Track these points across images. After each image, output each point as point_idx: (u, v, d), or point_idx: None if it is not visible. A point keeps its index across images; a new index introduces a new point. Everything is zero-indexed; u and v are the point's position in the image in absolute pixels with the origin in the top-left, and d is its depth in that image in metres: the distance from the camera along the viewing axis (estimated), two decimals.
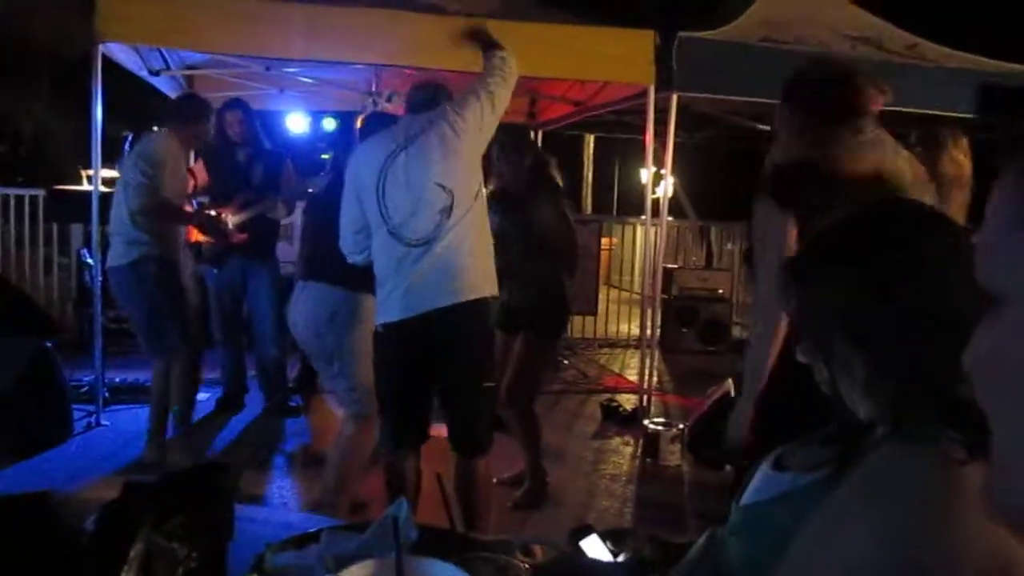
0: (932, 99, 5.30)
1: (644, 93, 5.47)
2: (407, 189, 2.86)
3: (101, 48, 4.68)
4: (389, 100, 6.06)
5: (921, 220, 1.08)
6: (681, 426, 4.75)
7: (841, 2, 6.30)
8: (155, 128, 4.55)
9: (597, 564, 1.33)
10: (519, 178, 3.94)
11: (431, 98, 3.01)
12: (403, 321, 2.87)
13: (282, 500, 3.96)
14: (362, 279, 3.17)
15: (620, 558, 1.35)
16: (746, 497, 1.17)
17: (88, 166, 5.23)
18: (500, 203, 3.87)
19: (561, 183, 4.14)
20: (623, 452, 4.95)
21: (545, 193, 3.96)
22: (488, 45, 3.24)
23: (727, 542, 1.20)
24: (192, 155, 5.10)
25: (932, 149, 2.88)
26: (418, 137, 2.88)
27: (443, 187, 2.85)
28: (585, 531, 1.41)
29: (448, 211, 2.85)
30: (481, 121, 2.96)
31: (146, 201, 4.06)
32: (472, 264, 2.90)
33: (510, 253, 3.59)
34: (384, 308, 2.93)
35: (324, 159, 6.68)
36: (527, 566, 1.35)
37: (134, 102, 6.86)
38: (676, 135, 5.61)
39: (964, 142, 2.98)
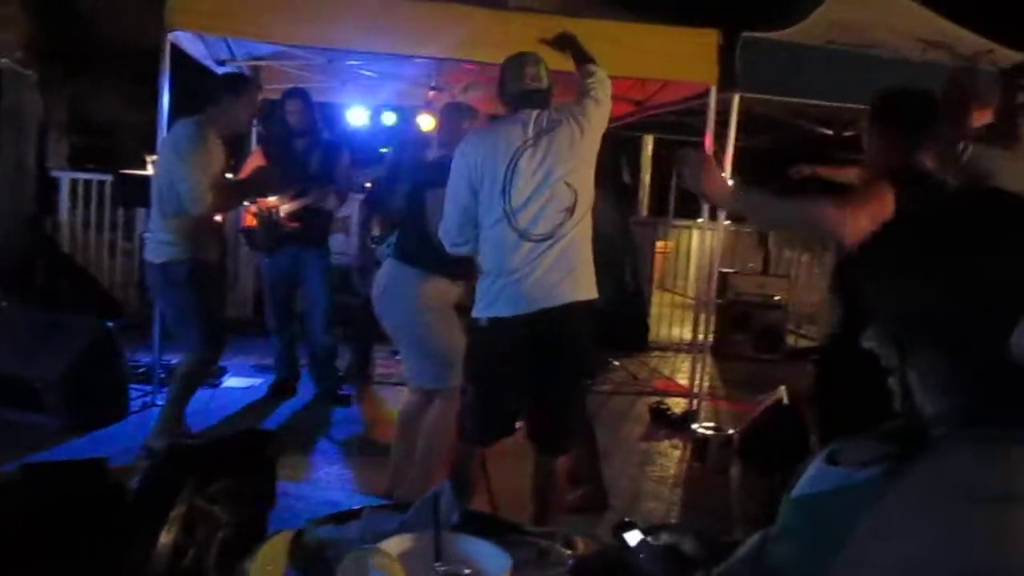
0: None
1: (706, 93, 5.40)
2: (536, 184, 2.85)
3: (170, 37, 4.79)
4: (466, 91, 6.07)
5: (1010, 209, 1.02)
6: (731, 432, 4.67)
7: (912, 6, 6.13)
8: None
9: (639, 555, 1.30)
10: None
11: (545, 99, 3.00)
12: (517, 316, 2.85)
13: (329, 485, 4.00)
14: (439, 262, 3.28)
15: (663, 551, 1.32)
16: (797, 490, 1.14)
17: (154, 152, 5.35)
18: None
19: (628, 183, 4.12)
20: (671, 455, 4.89)
21: (611, 195, 3.93)
22: (583, 57, 3.20)
23: (777, 540, 1.16)
24: (253, 141, 5.17)
25: None
26: (549, 133, 2.88)
27: (569, 185, 2.88)
28: (628, 526, 1.39)
29: (571, 210, 2.87)
30: (600, 125, 3.00)
31: (198, 192, 3.85)
32: (585, 264, 2.94)
33: None
34: (493, 301, 2.90)
35: (383, 152, 6.73)
36: (570, 556, 1.33)
37: (202, 92, 7.00)
38: (738, 138, 5.52)
39: None
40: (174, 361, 5.45)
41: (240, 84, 4.35)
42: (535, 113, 2.93)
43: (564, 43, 3.26)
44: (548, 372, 2.92)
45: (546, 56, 3.14)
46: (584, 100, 3.01)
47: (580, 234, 2.91)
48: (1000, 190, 1.10)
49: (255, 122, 4.85)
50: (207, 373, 4.45)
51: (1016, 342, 0.58)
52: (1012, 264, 0.96)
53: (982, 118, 3.15)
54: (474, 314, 2.97)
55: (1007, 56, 5.59)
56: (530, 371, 2.92)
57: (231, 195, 4.34)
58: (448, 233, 3.01)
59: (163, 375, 5.05)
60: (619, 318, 3.96)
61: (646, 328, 8.11)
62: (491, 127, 3.07)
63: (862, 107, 5.99)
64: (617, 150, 7.60)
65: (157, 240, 4.08)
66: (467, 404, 3.04)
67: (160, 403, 4.84)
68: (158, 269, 4.06)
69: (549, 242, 2.84)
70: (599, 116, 3.00)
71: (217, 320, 4.23)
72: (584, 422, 3.93)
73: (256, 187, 4.66)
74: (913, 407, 1.02)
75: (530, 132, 2.88)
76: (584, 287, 2.92)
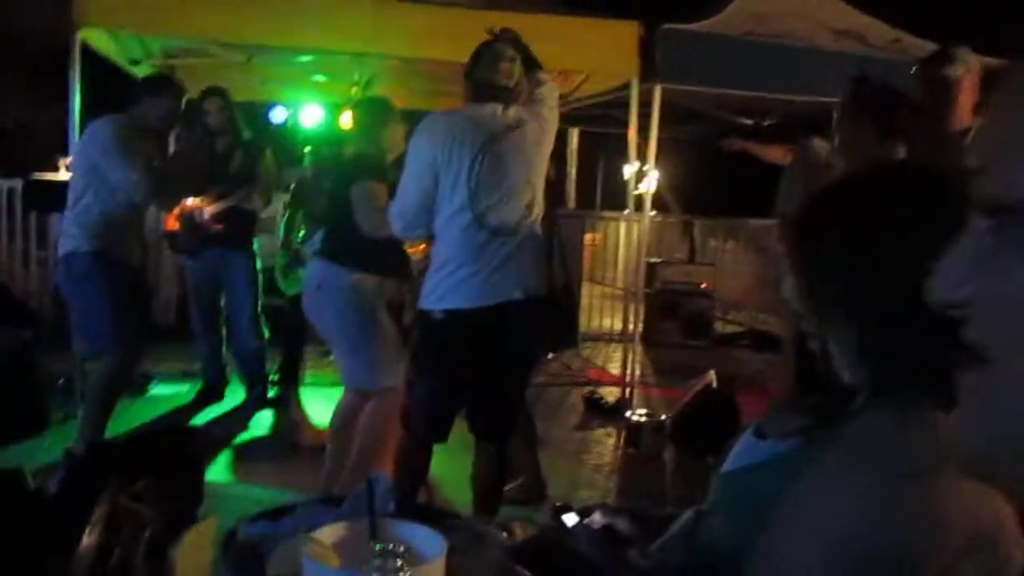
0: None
1: (627, 85, 5.47)
2: (503, 178, 2.84)
3: (79, 36, 4.62)
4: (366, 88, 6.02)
5: (920, 186, 1.04)
6: (664, 417, 4.75)
7: None
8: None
9: (576, 536, 1.31)
10: None
11: (511, 96, 2.96)
12: (474, 309, 2.83)
13: (260, 484, 3.92)
14: (368, 260, 3.29)
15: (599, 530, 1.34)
16: (726, 465, 1.16)
17: (66, 154, 5.17)
18: None
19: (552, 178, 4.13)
20: (606, 443, 4.94)
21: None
22: (532, 63, 3.16)
23: (709, 515, 1.18)
24: (171, 142, 5.04)
25: None
26: (516, 130, 2.88)
27: (530, 183, 2.91)
28: (565, 509, 1.41)
29: (531, 207, 2.91)
30: (554, 132, 3.06)
31: (140, 182, 3.83)
32: (539, 262, 2.99)
33: None
34: (449, 293, 2.86)
35: (306, 150, 6.63)
36: (507, 539, 1.33)
37: (115, 93, 6.79)
38: (660, 129, 5.60)
39: None
40: None
41: (164, 86, 4.25)
42: (501, 109, 2.91)
43: (516, 45, 3.19)
44: (498, 364, 2.93)
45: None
46: (540, 106, 3.03)
47: (535, 232, 2.95)
48: (905, 163, 1.14)
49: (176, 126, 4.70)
50: (126, 378, 4.25)
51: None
52: (900, 241, 0.99)
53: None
54: (425, 305, 2.92)
55: (914, 44, 5.81)
56: (481, 364, 2.91)
57: (163, 181, 4.18)
58: (404, 214, 2.94)
59: (83, 386, 4.88)
60: (548, 313, 3.97)
61: (575, 325, 8.16)
62: (459, 114, 3.00)
63: (781, 97, 6.16)
64: None
65: (64, 235, 4.00)
66: (416, 398, 3.01)
67: (81, 414, 4.69)
68: (62, 262, 3.96)
69: (510, 237, 2.85)
70: (553, 122, 3.06)
71: (131, 319, 4.02)
72: (522, 413, 3.96)
73: (184, 168, 4.57)
74: (832, 372, 1.05)
75: (498, 126, 2.87)
76: (540, 282, 2.99)
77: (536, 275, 2.96)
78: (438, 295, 2.88)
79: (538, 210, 2.96)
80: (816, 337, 1.06)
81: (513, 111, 2.92)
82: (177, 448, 1.08)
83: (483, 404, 3.01)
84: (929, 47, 5.94)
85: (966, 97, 3.05)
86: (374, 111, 3.72)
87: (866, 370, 1.01)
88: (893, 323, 0.97)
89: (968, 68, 3.04)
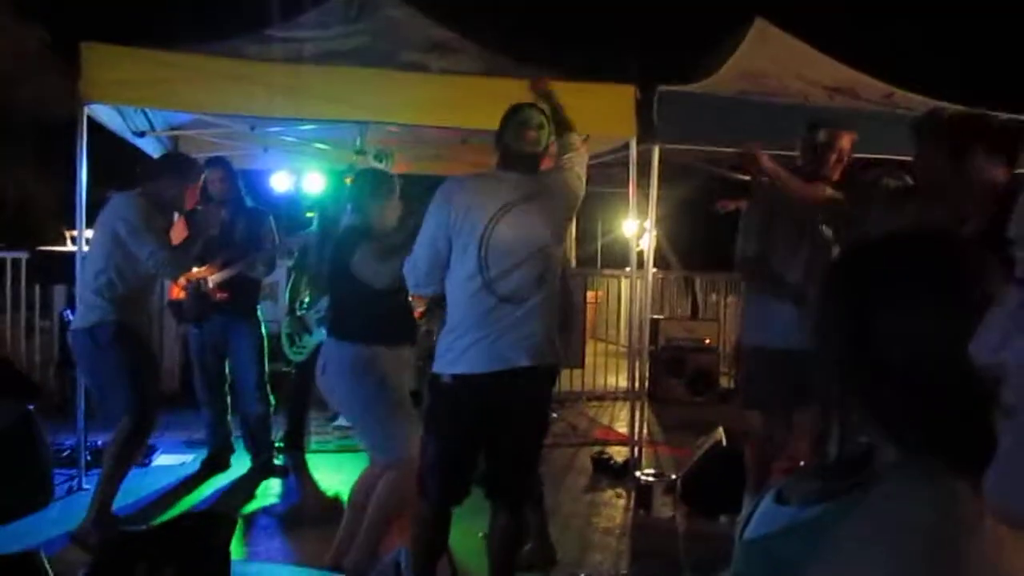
0: (905, 145, 5.35)
1: (626, 146, 5.54)
2: (515, 246, 2.85)
3: (86, 110, 4.70)
4: (380, 160, 6.07)
5: (915, 255, 1.03)
6: (674, 477, 4.70)
7: (815, 54, 6.44)
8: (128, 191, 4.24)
9: None
10: None
11: (536, 163, 3.02)
12: (483, 375, 2.83)
13: (271, 559, 3.87)
14: (375, 332, 3.29)
15: None
16: (748, 532, 1.15)
17: (72, 227, 5.22)
18: None
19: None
20: (616, 505, 4.88)
21: None
22: (565, 125, 3.24)
23: None
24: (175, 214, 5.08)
25: None
26: (533, 199, 2.91)
27: (545, 253, 2.92)
28: None
29: (544, 276, 2.91)
30: (577, 202, 3.11)
31: (164, 256, 4.01)
32: (551, 329, 2.97)
33: None
34: (459, 358, 2.86)
35: (309, 216, 6.69)
36: None
37: (119, 164, 6.88)
38: (659, 187, 5.67)
39: None
40: (100, 442, 5.27)
41: (184, 167, 4.40)
42: (524, 177, 2.94)
43: (549, 102, 3.28)
44: (510, 431, 2.92)
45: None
46: (568, 174, 3.07)
47: (549, 300, 2.94)
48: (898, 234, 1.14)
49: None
50: (142, 444, 4.27)
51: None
52: (886, 317, 0.99)
53: None
54: (435, 369, 2.93)
55: (907, 98, 5.91)
56: (492, 430, 2.91)
57: (188, 254, 4.37)
58: (415, 271, 2.96)
59: (88, 458, 4.85)
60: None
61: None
62: (478, 179, 3.07)
63: (775, 153, 6.25)
64: None
65: (85, 305, 4.08)
66: (428, 462, 2.98)
67: (87, 487, 4.65)
68: (84, 334, 4.03)
69: (520, 304, 2.84)
70: (577, 193, 3.09)
71: (149, 387, 4.12)
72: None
73: (200, 235, 4.57)
74: (853, 434, 1.04)
75: (516, 194, 2.89)
76: (550, 351, 2.95)
77: (546, 343, 2.94)
78: (447, 360, 2.89)
79: (553, 278, 2.95)
80: (840, 399, 1.05)
81: (535, 180, 2.95)
82: (204, 536, 1.07)
83: (496, 469, 2.99)
84: (919, 100, 6.07)
85: None
86: (369, 185, 3.68)
87: (892, 434, 1.00)
88: (923, 389, 0.97)
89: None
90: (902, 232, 1.08)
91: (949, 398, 0.95)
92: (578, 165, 3.12)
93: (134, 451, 4.11)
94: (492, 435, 2.92)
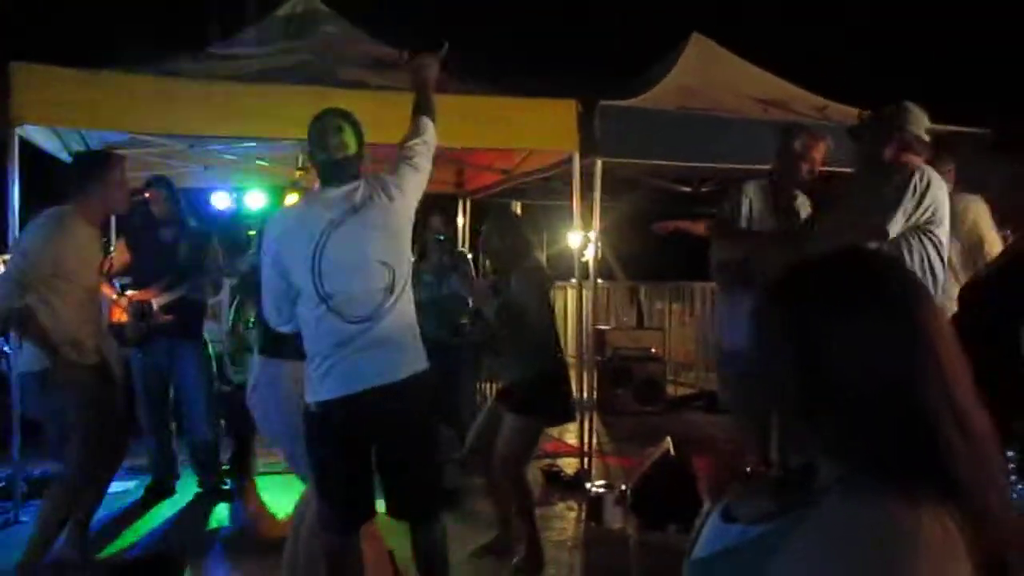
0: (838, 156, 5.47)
1: (569, 160, 5.60)
2: (349, 266, 2.76)
3: (18, 131, 4.58)
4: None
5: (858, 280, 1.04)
6: (624, 487, 4.73)
7: (751, 69, 6.60)
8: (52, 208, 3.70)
9: None
10: (510, 257, 4.03)
11: (351, 169, 2.87)
12: (343, 398, 2.76)
13: None
14: (285, 346, 3.13)
15: None
16: (696, 551, 1.16)
17: (5, 252, 5.07)
18: (497, 284, 4.05)
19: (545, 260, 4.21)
20: (567, 517, 4.90)
21: (531, 271, 3.99)
22: (424, 107, 3.14)
23: None
24: (113, 234, 4.97)
25: None
26: (357, 212, 2.79)
27: (385, 264, 2.80)
28: None
29: (390, 289, 2.80)
30: (416, 193, 2.95)
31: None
32: (410, 340, 2.87)
33: (511, 332, 3.86)
34: (318, 386, 2.80)
35: (250, 235, 6.59)
36: None
37: (54, 184, 6.70)
38: (602, 199, 5.73)
39: None
40: (36, 472, 5.11)
41: (104, 164, 3.85)
42: (345, 190, 2.82)
43: (416, 83, 3.22)
44: (392, 449, 2.86)
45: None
46: (402, 166, 2.94)
47: (402, 309, 2.84)
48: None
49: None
50: (84, 493, 3.90)
51: None
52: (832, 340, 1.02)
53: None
54: (305, 399, 2.86)
55: (840, 111, 6.07)
56: (368, 451, 2.85)
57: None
58: (269, 315, 2.92)
59: (24, 489, 4.69)
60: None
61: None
62: (297, 207, 2.97)
63: (713, 166, 6.36)
64: (477, 219, 7.77)
65: (28, 353, 3.68)
66: (319, 494, 2.93)
67: (24, 519, 4.50)
68: (35, 378, 3.64)
69: (368, 323, 2.75)
70: (415, 184, 2.94)
71: (102, 432, 3.74)
72: (523, 487, 4.03)
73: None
74: (796, 451, 1.06)
75: (335, 213, 2.78)
76: (410, 363, 2.84)
77: (409, 353, 2.84)
78: (310, 389, 2.83)
79: (402, 286, 2.84)
80: (782, 416, 1.07)
81: (358, 189, 2.82)
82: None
83: (390, 488, 2.95)
84: (853, 112, 6.23)
85: None
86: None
87: (834, 451, 1.02)
88: (864, 405, 0.99)
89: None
90: (838, 251, 1.10)
91: (890, 415, 0.98)
92: (417, 155, 2.99)
93: (72, 500, 3.81)
94: (377, 456, 2.86)
